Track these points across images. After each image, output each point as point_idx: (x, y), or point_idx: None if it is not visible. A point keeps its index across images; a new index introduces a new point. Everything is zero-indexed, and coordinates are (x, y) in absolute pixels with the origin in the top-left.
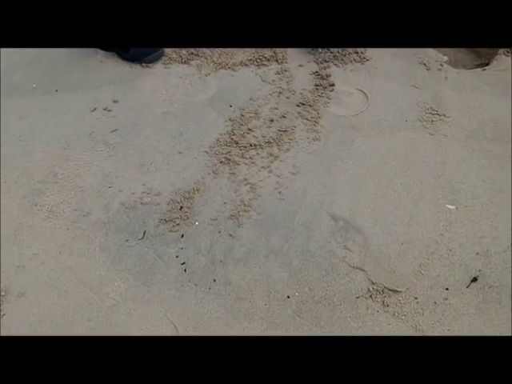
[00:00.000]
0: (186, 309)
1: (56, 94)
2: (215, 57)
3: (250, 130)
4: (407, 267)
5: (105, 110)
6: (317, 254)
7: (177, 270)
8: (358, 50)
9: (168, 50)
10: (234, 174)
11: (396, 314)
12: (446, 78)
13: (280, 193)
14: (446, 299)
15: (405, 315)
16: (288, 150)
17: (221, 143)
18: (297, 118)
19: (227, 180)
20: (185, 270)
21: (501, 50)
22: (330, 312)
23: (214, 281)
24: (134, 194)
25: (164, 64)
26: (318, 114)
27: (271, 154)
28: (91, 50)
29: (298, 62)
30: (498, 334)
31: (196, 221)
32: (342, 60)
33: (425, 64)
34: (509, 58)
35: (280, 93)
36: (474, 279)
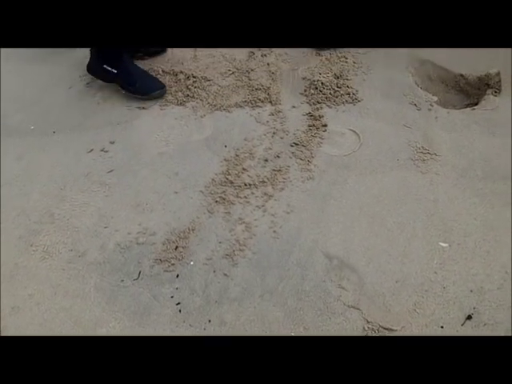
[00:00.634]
0: None
1: (53, 136)
2: (210, 98)
3: (244, 169)
4: (402, 305)
5: (102, 150)
6: (312, 294)
7: (172, 311)
8: (350, 91)
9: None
10: (229, 213)
11: None
12: (436, 117)
13: (275, 232)
14: None
15: None
16: (282, 189)
17: (216, 183)
18: (291, 157)
19: (222, 219)
20: (180, 311)
21: (489, 90)
22: None
23: (209, 321)
24: (129, 233)
25: (160, 106)
26: (311, 153)
27: (266, 194)
28: (89, 93)
29: (291, 104)
30: None
31: (191, 260)
32: (334, 101)
33: (415, 104)
34: (497, 98)
35: (274, 133)
36: (469, 317)
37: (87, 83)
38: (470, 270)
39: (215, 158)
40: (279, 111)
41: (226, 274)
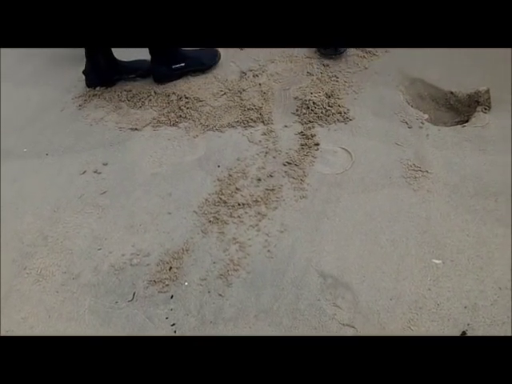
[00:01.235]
0: None
1: (46, 158)
2: (203, 119)
3: (237, 189)
4: (396, 323)
5: (95, 172)
6: (306, 312)
7: (166, 332)
8: (341, 110)
9: (155, 114)
10: (223, 233)
11: None
12: (428, 135)
13: (269, 251)
14: None
15: None
16: (276, 208)
17: (209, 203)
18: (283, 176)
19: (216, 239)
20: (175, 332)
21: (479, 108)
22: None
23: None
24: (123, 255)
25: (153, 126)
26: (304, 172)
27: (259, 213)
28: (82, 114)
29: (283, 123)
30: None
31: (185, 281)
32: (326, 120)
33: (406, 122)
34: (486, 115)
35: (267, 153)
36: (463, 333)
37: (79, 105)
38: (463, 286)
39: (208, 178)
40: (271, 131)
41: (220, 295)
